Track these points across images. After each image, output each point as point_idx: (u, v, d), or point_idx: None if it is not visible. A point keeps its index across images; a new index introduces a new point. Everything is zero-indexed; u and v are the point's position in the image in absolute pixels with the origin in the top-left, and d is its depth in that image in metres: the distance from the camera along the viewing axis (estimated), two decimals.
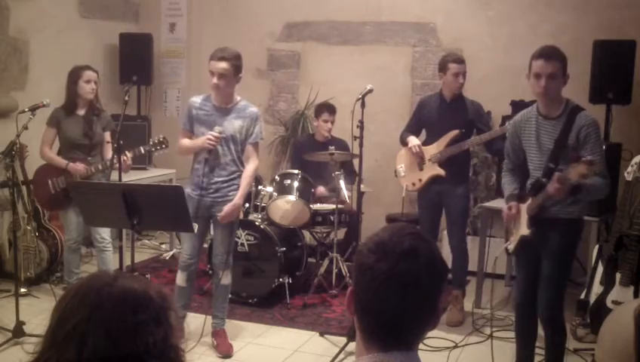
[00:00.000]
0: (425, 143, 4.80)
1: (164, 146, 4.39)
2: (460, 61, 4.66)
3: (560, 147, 3.28)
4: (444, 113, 4.71)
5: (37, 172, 4.76)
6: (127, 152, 4.26)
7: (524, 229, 3.43)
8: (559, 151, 3.29)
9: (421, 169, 4.79)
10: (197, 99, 4.16)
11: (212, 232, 4.34)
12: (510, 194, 3.56)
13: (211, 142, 3.96)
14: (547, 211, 3.36)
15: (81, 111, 4.61)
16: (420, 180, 4.81)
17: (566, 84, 3.36)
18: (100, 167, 4.53)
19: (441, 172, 4.68)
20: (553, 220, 3.36)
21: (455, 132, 4.62)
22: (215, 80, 3.96)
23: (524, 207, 3.44)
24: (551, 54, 3.29)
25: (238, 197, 4.08)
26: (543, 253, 3.45)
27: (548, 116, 3.37)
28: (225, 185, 4.09)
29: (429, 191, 4.80)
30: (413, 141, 4.80)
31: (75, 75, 4.57)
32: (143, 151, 4.42)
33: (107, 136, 4.71)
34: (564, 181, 3.09)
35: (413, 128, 4.91)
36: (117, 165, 4.10)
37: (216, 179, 4.07)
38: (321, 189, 5.34)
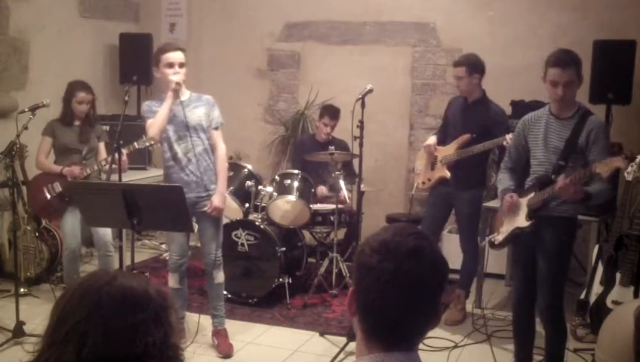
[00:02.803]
0: (445, 143, 4.76)
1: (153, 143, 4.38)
2: (455, 64, 4.65)
3: (571, 146, 3.33)
4: (463, 115, 4.67)
5: (32, 182, 4.84)
6: (122, 150, 4.26)
7: (521, 221, 3.45)
8: (570, 150, 3.33)
9: (432, 169, 4.79)
10: (154, 102, 4.09)
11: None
12: (506, 188, 3.59)
13: (177, 80, 3.91)
14: (544, 208, 3.39)
15: (77, 122, 4.74)
16: (429, 180, 4.80)
17: (580, 86, 3.40)
18: (95, 167, 4.62)
19: (447, 174, 4.65)
20: (547, 218, 3.39)
21: (466, 136, 4.56)
22: (177, 68, 3.95)
23: (522, 200, 3.46)
24: (567, 62, 3.31)
25: (220, 186, 4.08)
26: (538, 252, 3.47)
27: (559, 116, 3.41)
28: (205, 177, 4.06)
29: (438, 191, 4.79)
30: (429, 140, 4.83)
31: (69, 93, 4.70)
32: (137, 145, 4.34)
33: (101, 145, 4.84)
34: (579, 179, 3.16)
35: (442, 127, 4.90)
36: (116, 166, 4.09)
37: (193, 174, 4.03)
38: (322, 189, 5.34)
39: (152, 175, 6.10)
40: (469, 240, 4.78)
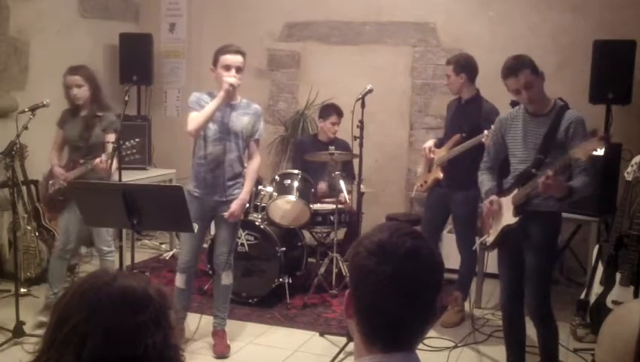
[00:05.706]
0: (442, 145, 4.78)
1: (134, 151, 4.23)
2: (446, 62, 4.74)
3: (549, 141, 3.36)
4: (457, 115, 4.71)
5: (47, 174, 4.75)
6: (103, 155, 4.18)
7: (508, 219, 3.46)
8: (548, 144, 3.36)
9: (429, 171, 4.80)
10: (204, 95, 4.04)
11: (212, 232, 4.31)
12: (489, 188, 3.61)
13: (231, 82, 3.85)
14: (529, 203, 3.40)
15: (83, 112, 4.48)
16: (426, 182, 4.81)
17: (544, 80, 3.41)
18: (89, 166, 4.31)
19: (440, 175, 4.67)
20: (534, 213, 3.41)
21: (456, 136, 4.59)
22: (233, 72, 3.92)
23: (505, 199, 3.48)
24: (516, 67, 3.37)
25: (244, 193, 4.07)
26: (525, 248, 3.48)
27: (535, 114, 3.44)
28: (230, 183, 4.06)
29: (434, 193, 4.79)
30: (426, 143, 4.85)
31: (63, 81, 4.45)
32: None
33: (110, 137, 4.44)
34: (562, 168, 3.20)
35: (444, 130, 4.92)
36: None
37: (221, 178, 4.02)
38: (322, 185, 5.35)
39: (152, 175, 6.11)
40: (465, 241, 4.74)
